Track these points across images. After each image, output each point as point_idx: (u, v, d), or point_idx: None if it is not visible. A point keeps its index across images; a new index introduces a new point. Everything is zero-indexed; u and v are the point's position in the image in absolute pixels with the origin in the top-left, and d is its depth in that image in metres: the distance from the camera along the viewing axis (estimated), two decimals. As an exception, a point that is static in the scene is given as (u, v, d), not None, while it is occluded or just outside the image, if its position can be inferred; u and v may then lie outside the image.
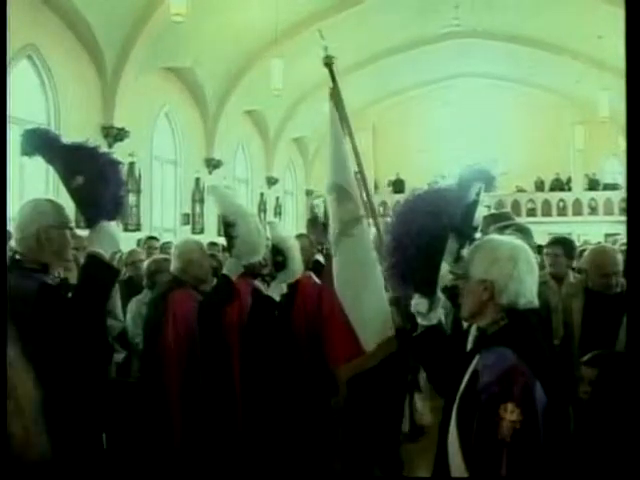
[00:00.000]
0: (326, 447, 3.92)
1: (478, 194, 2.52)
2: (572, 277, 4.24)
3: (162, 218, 14.47)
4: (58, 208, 2.50)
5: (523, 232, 3.24)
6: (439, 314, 2.19)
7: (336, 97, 3.45)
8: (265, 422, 3.65)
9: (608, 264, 3.77)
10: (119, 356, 4.47)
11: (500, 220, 3.67)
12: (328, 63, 3.50)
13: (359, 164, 3.50)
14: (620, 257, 3.81)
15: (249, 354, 3.70)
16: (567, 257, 4.29)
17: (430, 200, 2.15)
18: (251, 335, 3.68)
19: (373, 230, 3.45)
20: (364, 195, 3.43)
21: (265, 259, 3.93)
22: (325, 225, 5.75)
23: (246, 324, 3.73)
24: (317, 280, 4.23)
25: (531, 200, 21.33)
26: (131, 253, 5.71)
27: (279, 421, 3.68)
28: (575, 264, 4.93)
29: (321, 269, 4.27)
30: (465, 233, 2.67)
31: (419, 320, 2.18)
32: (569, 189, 21.64)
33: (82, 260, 2.80)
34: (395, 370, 3.85)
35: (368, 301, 3.18)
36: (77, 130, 10.14)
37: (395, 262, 2.15)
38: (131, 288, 4.97)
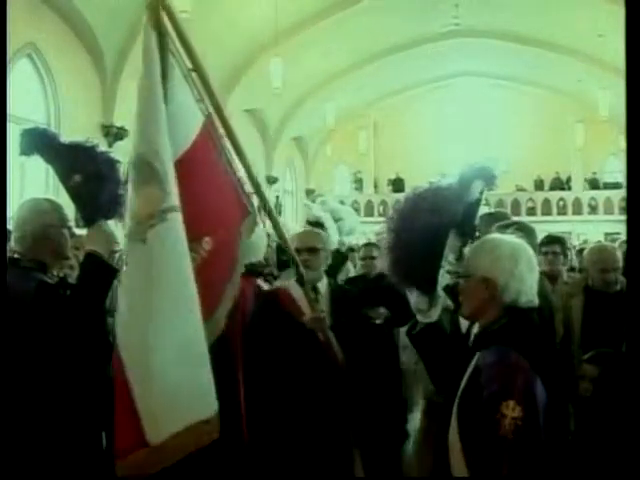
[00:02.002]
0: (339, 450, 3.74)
1: (482, 192, 2.52)
2: (565, 276, 4.27)
3: (162, 217, 14.45)
4: (57, 207, 2.50)
5: (526, 231, 3.23)
6: (439, 311, 2.19)
7: (159, 14, 2.03)
8: (270, 427, 3.55)
9: (607, 260, 3.78)
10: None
11: (498, 219, 3.66)
12: None
13: (224, 123, 2.32)
14: (620, 254, 3.82)
15: (253, 355, 3.63)
16: (563, 255, 4.32)
17: (430, 198, 2.15)
18: (255, 335, 3.62)
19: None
20: (240, 174, 2.37)
21: (266, 258, 3.90)
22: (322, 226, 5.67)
23: (249, 324, 3.68)
24: None
25: (531, 199, 21.34)
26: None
27: (285, 426, 3.55)
28: (576, 264, 4.93)
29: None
30: (468, 231, 2.67)
31: (419, 318, 2.18)
32: (569, 188, 21.64)
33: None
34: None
35: (161, 358, 1.89)
36: (77, 129, 10.14)
37: (396, 259, 2.15)
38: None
